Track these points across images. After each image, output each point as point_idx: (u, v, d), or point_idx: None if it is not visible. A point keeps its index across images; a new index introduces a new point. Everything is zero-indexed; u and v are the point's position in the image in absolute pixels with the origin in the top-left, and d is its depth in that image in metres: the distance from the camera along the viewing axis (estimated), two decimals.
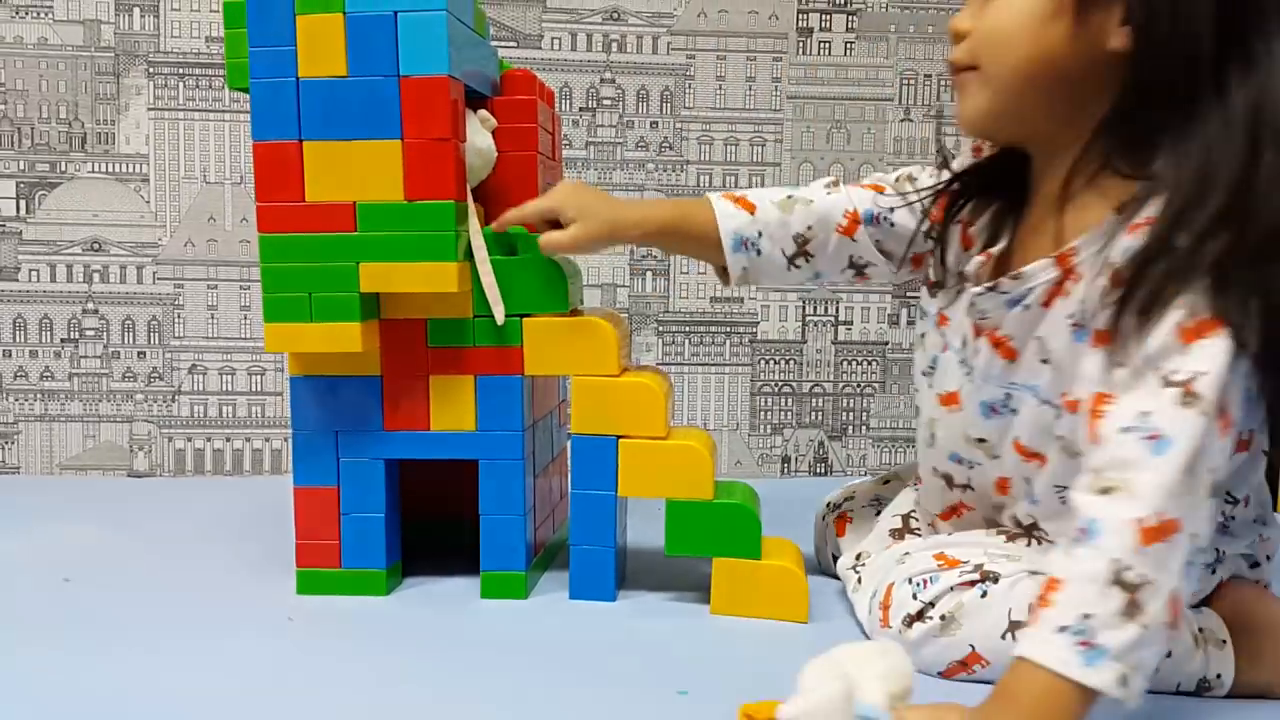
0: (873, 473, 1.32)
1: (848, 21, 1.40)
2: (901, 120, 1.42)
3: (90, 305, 1.36)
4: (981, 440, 0.77)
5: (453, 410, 0.87)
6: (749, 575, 0.85)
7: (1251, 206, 0.61)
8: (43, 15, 1.32)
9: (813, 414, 1.46)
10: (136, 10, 1.33)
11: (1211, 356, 0.60)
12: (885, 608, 0.76)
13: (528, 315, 0.86)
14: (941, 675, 0.73)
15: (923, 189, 0.84)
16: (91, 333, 1.36)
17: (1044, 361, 0.72)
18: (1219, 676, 0.69)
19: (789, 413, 1.45)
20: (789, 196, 0.87)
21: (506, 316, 0.86)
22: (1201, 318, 0.61)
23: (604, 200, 0.87)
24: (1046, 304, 0.71)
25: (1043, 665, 0.57)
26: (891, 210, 0.86)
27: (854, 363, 1.46)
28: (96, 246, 1.35)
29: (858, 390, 1.46)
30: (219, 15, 1.33)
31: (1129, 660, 0.57)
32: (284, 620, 0.82)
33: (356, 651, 0.77)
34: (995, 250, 0.76)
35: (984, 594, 0.72)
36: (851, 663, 0.58)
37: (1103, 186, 0.68)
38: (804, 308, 1.43)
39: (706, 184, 1.41)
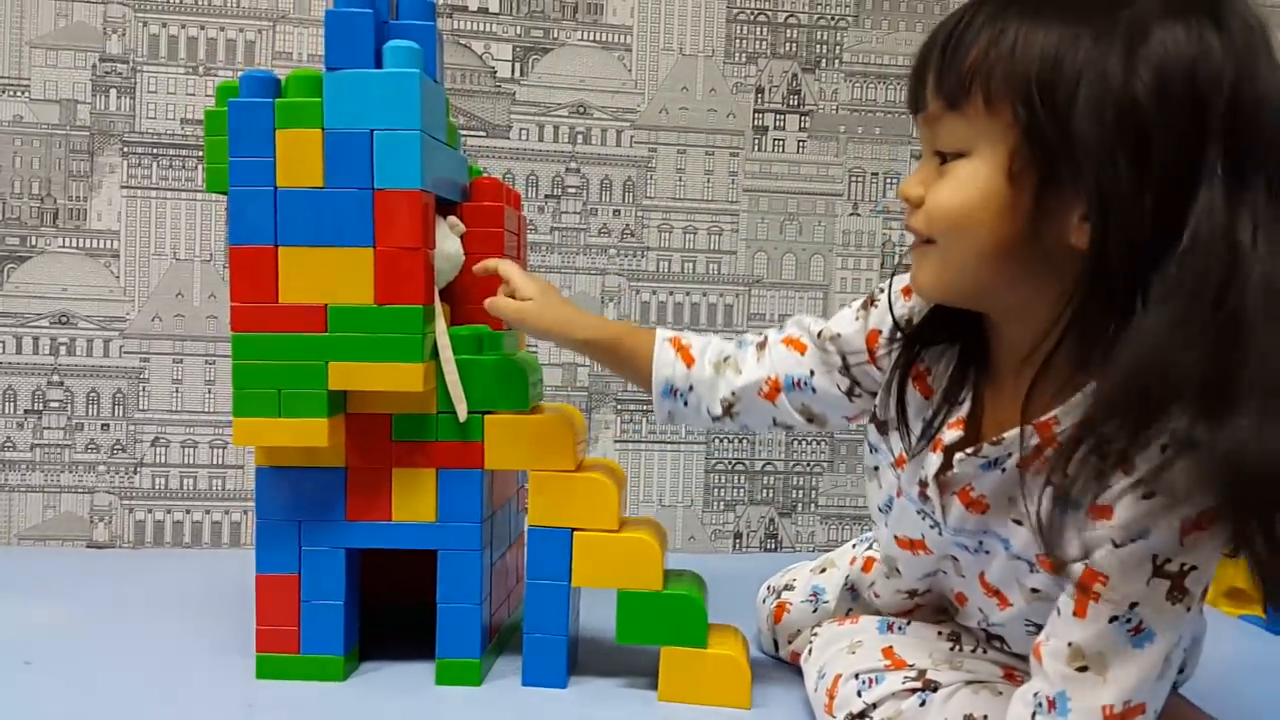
0: (821, 549, 1.37)
1: (800, 121, 1.48)
2: (850, 214, 1.50)
3: (55, 377, 1.37)
4: (954, 558, 0.79)
5: (414, 501, 0.90)
6: (695, 663, 0.88)
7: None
8: (19, 94, 1.36)
9: (764, 491, 1.51)
10: (113, 91, 1.37)
11: (1206, 552, 0.61)
12: (831, 697, 0.80)
13: (489, 412, 0.90)
14: None
15: (849, 353, 0.82)
16: (56, 404, 1.37)
17: (1016, 522, 0.70)
18: None
19: (741, 490, 1.50)
20: (726, 359, 0.88)
21: (469, 413, 0.90)
22: (1203, 512, 0.60)
23: (567, 303, 0.91)
24: (1022, 467, 0.68)
25: None
26: (811, 374, 0.85)
27: (804, 443, 1.51)
28: (64, 320, 1.37)
29: (807, 469, 1.51)
30: (195, 98, 1.38)
31: None
32: (243, 707, 0.84)
33: None
34: (964, 414, 0.73)
35: (922, 703, 0.75)
36: None
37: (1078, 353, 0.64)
38: None
39: (665, 269, 1.47)
